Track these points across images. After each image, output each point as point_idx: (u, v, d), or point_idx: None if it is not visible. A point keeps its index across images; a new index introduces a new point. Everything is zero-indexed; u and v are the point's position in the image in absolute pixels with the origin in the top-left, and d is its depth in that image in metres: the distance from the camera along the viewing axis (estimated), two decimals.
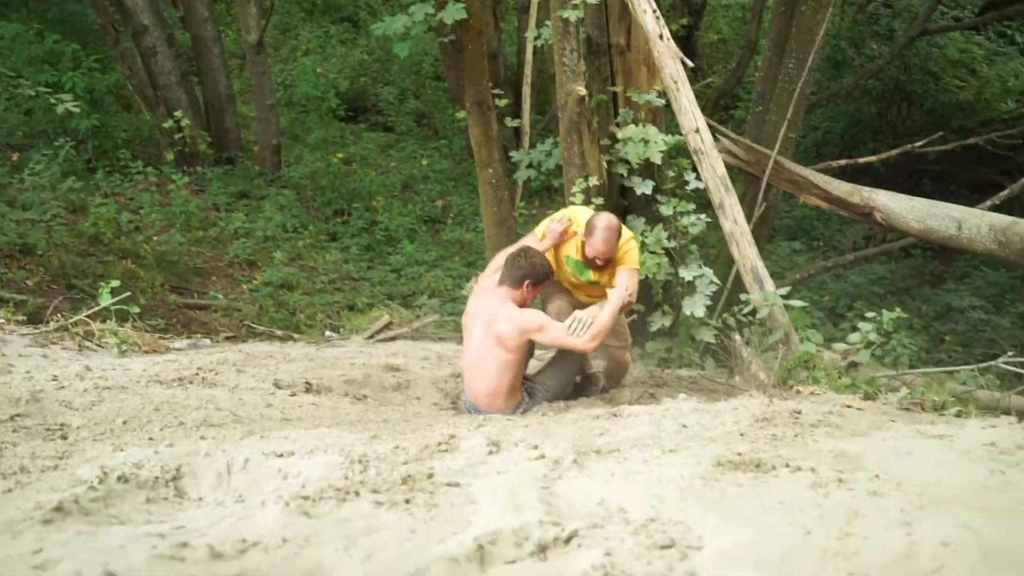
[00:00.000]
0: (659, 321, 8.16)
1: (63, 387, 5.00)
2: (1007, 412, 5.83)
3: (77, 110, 9.25)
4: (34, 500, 2.96)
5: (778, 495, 2.99)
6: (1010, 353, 7.24)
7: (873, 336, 6.61)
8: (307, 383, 5.70)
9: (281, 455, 3.60)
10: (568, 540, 2.64)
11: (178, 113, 14.56)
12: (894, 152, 12.22)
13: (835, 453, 3.61)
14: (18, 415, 4.45)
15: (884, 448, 3.68)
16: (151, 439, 4.16)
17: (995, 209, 9.70)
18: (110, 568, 2.38)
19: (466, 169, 17.16)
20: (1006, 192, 10.99)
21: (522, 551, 2.61)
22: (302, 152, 17.06)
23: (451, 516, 2.89)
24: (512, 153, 10.22)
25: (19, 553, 2.53)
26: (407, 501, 2.98)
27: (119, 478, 3.23)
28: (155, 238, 12.47)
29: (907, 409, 5.45)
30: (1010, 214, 9.23)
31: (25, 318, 7.42)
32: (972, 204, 9.86)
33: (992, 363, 7.11)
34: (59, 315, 7.25)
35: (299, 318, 11.31)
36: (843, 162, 11.74)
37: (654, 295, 8.24)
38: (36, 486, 3.19)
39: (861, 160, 11.92)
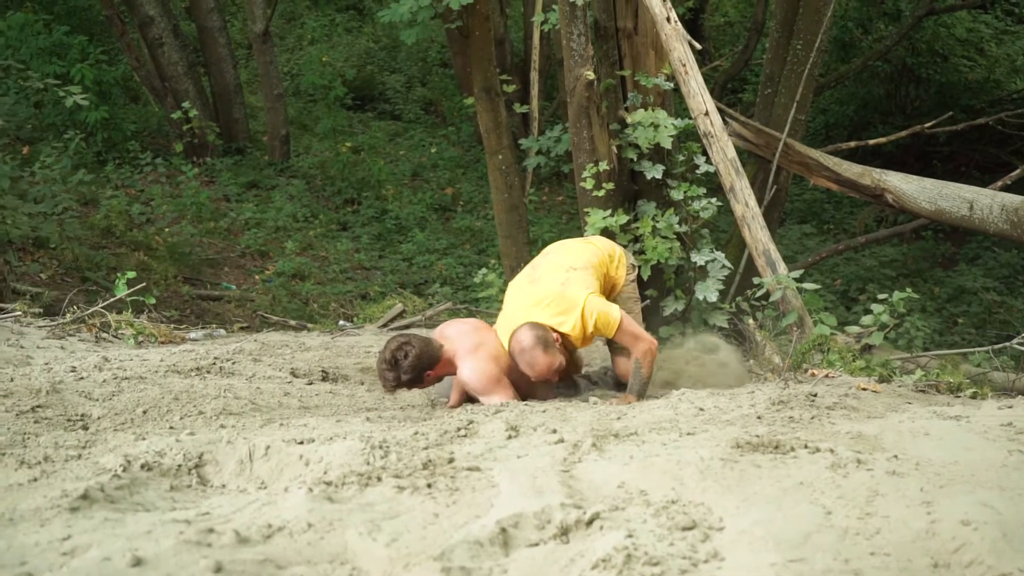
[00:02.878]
0: (671, 306, 8.15)
1: (82, 378, 5.04)
2: (1022, 393, 5.84)
3: (86, 103, 9.28)
4: (60, 488, 2.99)
5: (797, 476, 3.01)
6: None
7: (886, 318, 6.61)
8: (323, 371, 5.73)
9: (302, 442, 3.63)
10: (590, 522, 2.66)
11: (186, 104, 14.58)
12: (904, 133, 12.20)
13: (853, 435, 3.63)
14: (39, 406, 4.48)
15: (901, 429, 3.70)
16: (172, 428, 4.20)
17: (1006, 189, 9.67)
18: (138, 554, 2.40)
19: (475, 156, 17.16)
20: (1017, 172, 10.95)
21: (544, 534, 2.63)
22: (311, 141, 17.08)
23: (473, 500, 2.92)
24: (521, 140, 10.21)
25: (48, 540, 2.56)
26: (429, 486, 3.00)
27: (143, 466, 3.26)
28: (167, 230, 12.51)
29: (922, 391, 5.46)
30: (1021, 194, 9.22)
31: (41, 310, 7.46)
32: (983, 184, 9.85)
33: (1006, 344, 7.10)
34: (75, 307, 7.29)
35: (312, 308, 11.34)
36: (853, 144, 11.70)
37: (666, 280, 8.23)
38: (61, 475, 3.22)
39: (871, 142, 11.88)
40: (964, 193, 8.55)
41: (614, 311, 5.18)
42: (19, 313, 7.03)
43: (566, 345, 5.24)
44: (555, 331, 5.12)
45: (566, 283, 5.23)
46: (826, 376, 5.73)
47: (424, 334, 5.32)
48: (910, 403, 4.74)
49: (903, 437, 3.58)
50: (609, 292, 5.71)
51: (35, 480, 3.18)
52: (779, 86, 10.85)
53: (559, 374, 5.21)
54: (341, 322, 10.14)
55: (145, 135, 15.54)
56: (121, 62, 16.22)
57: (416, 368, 4.94)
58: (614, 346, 5.54)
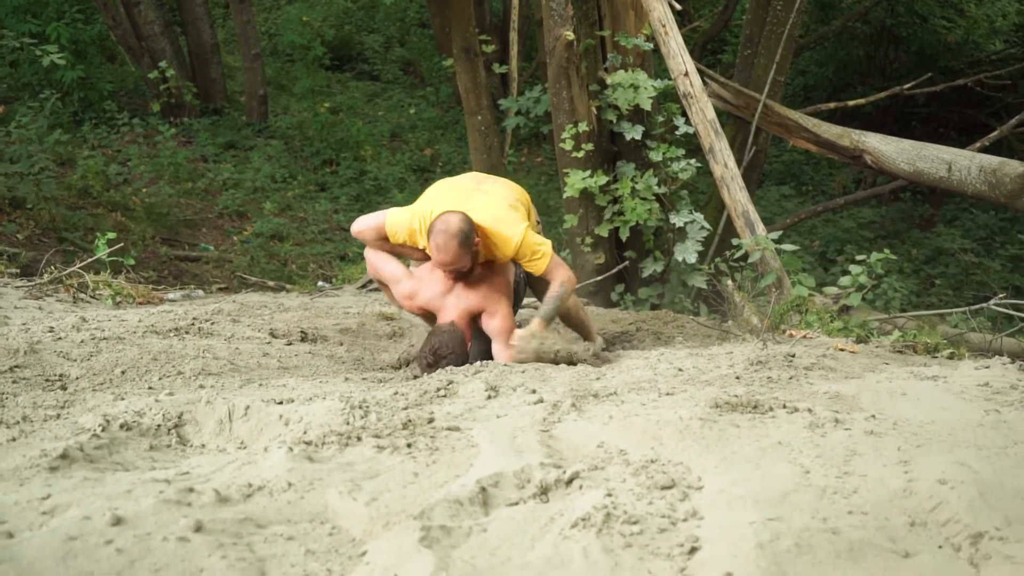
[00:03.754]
0: (650, 267, 8.17)
1: (60, 338, 5.01)
2: (999, 353, 5.88)
3: (63, 62, 9.19)
4: (39, 448, 2.98)
5: (776, 435, 3.03)
6: (1001, 295, 7.29)
7: (864, 279, 6.64)
8: (302, 332, 5.72)
9: (281, 402, 3.63)
10: (570, 482, 2.67)
11: (163, 63, 14.46)
12: (883, 94, 12.21)
13: (831, 395, 3.66)
14: (17, 366, 4.46)
15: (879, 389, 3.73)
16: (151, 388, 4.19)
17: (984, 151, 9.72)
18: (118, 513, 2.40)
19: (454, 117, 17.09)
20: (995, 133, 10.99)
21: (524, 493, 2.64)
22: (288, 102, 16.97)
23: (452, 459, 2.93)
24: (500, 101, 10.18)
25: (27, 499, 2.55)
26: (408, 445, 3.01)
27: (122, 426, 3.26)
28: (144, 190, 12.44)
29: (900, 352, 5.49)
30: (998, 155, 9.26)
31: (18, 271, 7.41)
32: (961, 146, 9.87)
33: (983, 305, 7.15)
34: (52, 267, 7.24)
35: (291, 268, 11.31)
36: (832, 105, 11.70)
37: (645, 241, 8.25)
38: (40, 435, 3.21)
39: (850, 103, 11.89)
40: (942, 154, 8.58)
41: (547, 245, 5.18)
42: None
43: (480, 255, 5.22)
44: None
45: (509, 210, 5.22)
46: (804, 337, 5.76)
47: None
48: (887, 364, 4.77)
49: (880, 397, 3.61)
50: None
51: (14, 440, 3.16)
52: (759, 47, 10.83)
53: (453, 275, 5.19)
54: (320, 283, 10.12)
55: (122, 95, 15.41)
56: (97, 21, 16.03)
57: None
58: (539, 285, 5.53)
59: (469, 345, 5.18)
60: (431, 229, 4.99)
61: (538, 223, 5.70)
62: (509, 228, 5.10)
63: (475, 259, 5.12)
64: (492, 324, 5.15)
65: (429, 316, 5.37)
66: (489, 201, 5.23)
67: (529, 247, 5.12)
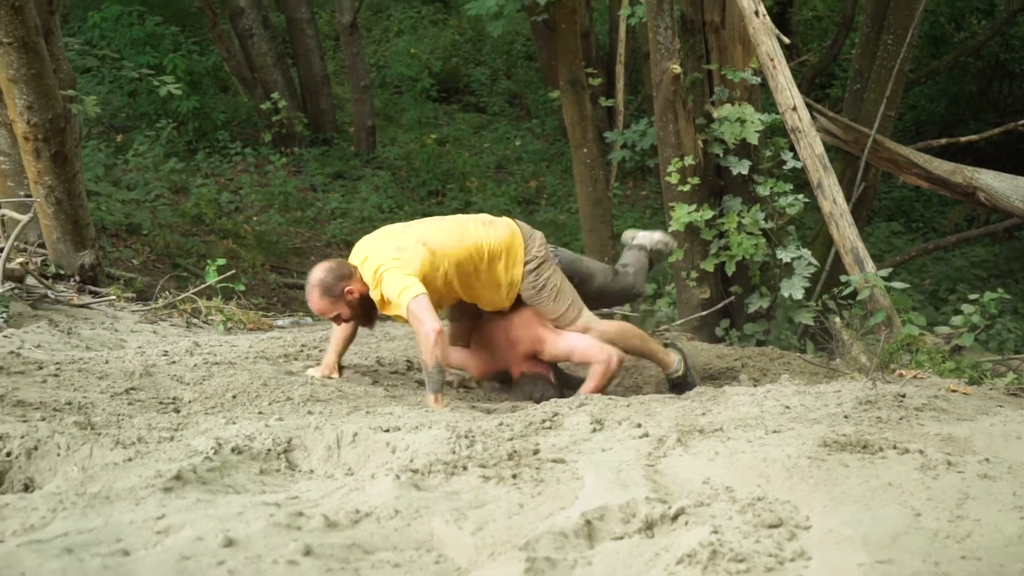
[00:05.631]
0: (756, 303, 8.10)
1: (174, 362, 5.15)
2: None
3: (179, 92, 9.45)
4: (154, 468, 3.06)
5: (886, 476, 2.98)
6: None
7: (977, 319, 6.50)
8: (408, 361, 5.78)
9: (388, 430, 3.67)
10: (675, 517, 2.66)
11: (275, 94, 14.80)
12: (997, 130, 11.93)
13: (942, 436, 3.58)
14: (133, 388, 4.59)
15: (992, 432, 3.64)
16: (261, 413, 4.27)
17: None
18: (230, 534, 2.45)
19: (559, 150, 17.15)
20: None
21: (629, 527, 2.64)
22: (396, 133, 17.20)
23: (557, 492, 2.93)
24: (606, 133, 10.20)
25: (143, 518, 2.62)
26: (514, 476, 3.02)
27: (233, 449, 3.32)
28: (255, 218, 12.72)
29: (1014, 394, 5.35)
30: None
31: (134, 295, 7.62)
32: None
33: None
34: (167, 293, 7.44)
35: None
36: (944, 141, 11.48)
37: (751, 277, 8.18)
38: (155, 455, 3.29)
39: (963, 139, 11.65)
40: None
41: (411, 288, 4.74)
42: (113, 297, 7.19)
43: (367, 307, 5.02)
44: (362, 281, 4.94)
45: (400, 248, 4.94)
46: (915, 377, 5.65)
47: None
48: (1001, 406, 4.65)
49: (994, 440, 3.53)
50: (466, 286, 5.17)
51: (130, 460, 3.25)
52: (868, 81, 10.70)
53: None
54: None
55: (235, 125, 15.79)
56: (212, 52, 16.49)
57: None
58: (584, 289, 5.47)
59: (551, 374, 5.26)
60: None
61: (533, 260, 5.24)
62: (367, 272, 4.93)
63: (359, 304, 4.97)
64: (555, 352, 5.22)
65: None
66: (380, 245, 5.03)
67: (385, 288, 4.84)
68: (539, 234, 5.40)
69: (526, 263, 5.21)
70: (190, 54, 15.70)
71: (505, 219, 5.39)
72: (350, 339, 5.32)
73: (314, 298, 4.92)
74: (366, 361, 5.68)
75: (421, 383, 5.38)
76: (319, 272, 4.93)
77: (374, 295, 4.90)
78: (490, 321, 5.36)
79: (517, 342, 5.25)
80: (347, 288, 4.89)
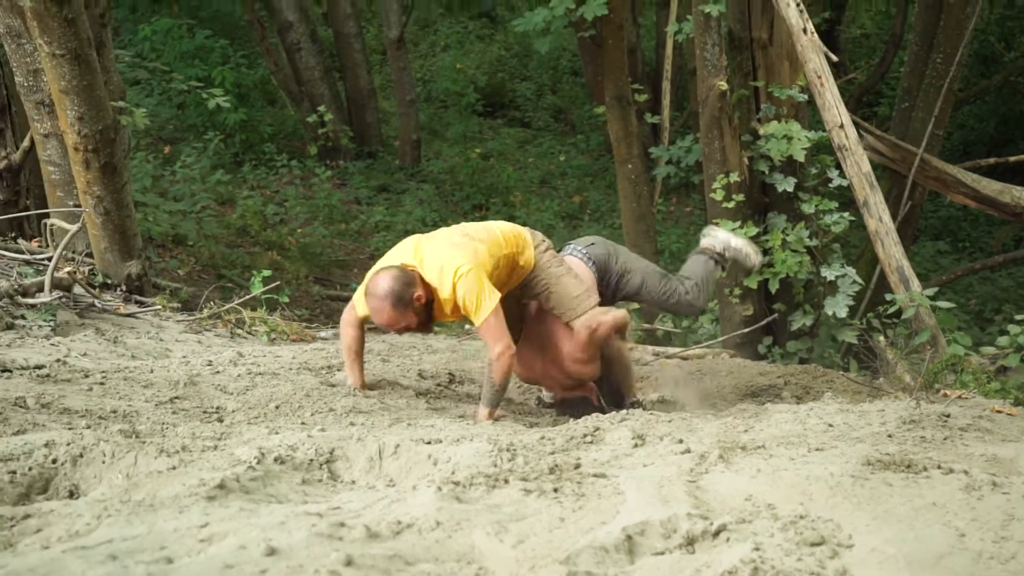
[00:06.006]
0: (800, 320, 8.06)
1: (218, 372, 5.19)
2: None
3: (227, 105, 9.53)
4: (198, 477, 3.08)
5: (930, 496, 2.96)
6: None
7: (1023, 340, 6.43)
8: (450, 374, 5.80)
9: (430, 442, 3.68)
10: (716, 534, 2.65)
11: (322, 108, 14.92)
12: None
13: (987, 457, 3.55)
14: (177, 397, 4.63)
15: None
16: (303, 423, 4.30)
17: None
18: (272, 544, 2.47)
19: (603, 165, 17.16)
20: None
21: (670, 543, 2.63)
22: (441, 147, 17.28)
23: (599, 506, 2.93)
24: (651, 149, 10.20)
25: (186, 526, 2.64)
26: (555, 490, 3.02)
27: (276, 459, 3.34)
28: (299, 230, 12.81)
29: None
30: None
31: (179, 305, 7.69)
32: None
33: None
34: (211, 303, 7.50)
35: None
36: (992, 161, 11.39)
37: (795, 294, 8.14)
38: (198, 464, 3.31)
39: (1011, 159, 11.55)
40: None
41: (489, 299, 4.71)
42: (159, 307, 7.26)
43: (430, 313, 4.87)
44: (426, 284, 4.79)
45: (456, 245, 4.86)
46: (959, 397, 5.60)
47: None
48: None
49: None
50: (509, 274, 5.09)
51: (174, 468, 3.27)
52: (917, 100, 10.65)
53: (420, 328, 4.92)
54: (467, 326, 10.22)
55: (281, 137, 15.92)
56: (260, 66, 16.65)
57: None
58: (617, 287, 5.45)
59: (593, 391, 5.23)
60: (366, 293, 4.80)
61: (541, 243, 5.27)
62: (439, 277, 4.76)
63: (424, 310, 4.81)
64: (578, 369, 5.19)
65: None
66: (430, 248, 4.91)
67: (461, 295, 4.72)
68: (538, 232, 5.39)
69: (535, 246, 5.19)
70: (238, 67, 15.88)
71: (497, 222, 5.38)
72: (362, 345, 5.24)
73: (385, 309, 4.69)
74: (408, 374, 5.70)
75: (466, 397, 5.39)
76: (386, 282, 4.70)
77: (445, 297, 4.77)
78: (536, 326, 5.32)
79: (549, 362, 5.19)
80: (416, 295, 4.73)
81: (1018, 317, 6.61)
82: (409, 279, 4.74)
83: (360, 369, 5.18)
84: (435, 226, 13.86)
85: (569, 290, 5.10)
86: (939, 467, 3.22)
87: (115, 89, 7.56)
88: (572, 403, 5.31)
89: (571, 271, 5.21)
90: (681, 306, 5.79)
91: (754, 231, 7.91)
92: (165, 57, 15.34)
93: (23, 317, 6.00)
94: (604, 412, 4.88)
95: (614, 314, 5.17)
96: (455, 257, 4.76)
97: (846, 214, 8.03)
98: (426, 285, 4.78)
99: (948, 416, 4.40)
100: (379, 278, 4.74)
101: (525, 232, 5.24)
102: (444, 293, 4.74)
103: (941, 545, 2.54)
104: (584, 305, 5.09)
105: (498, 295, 4.76)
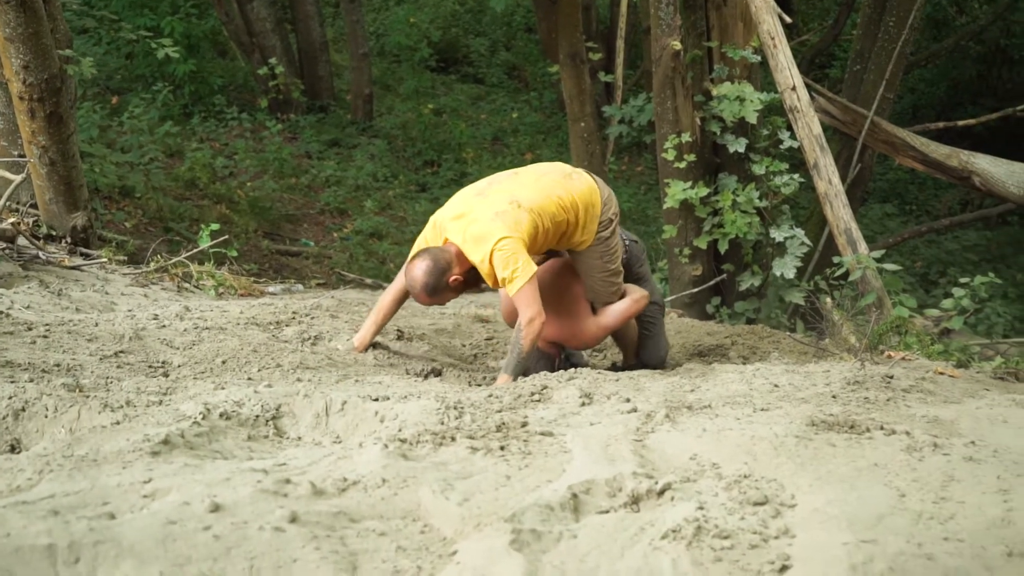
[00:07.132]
0: (748, 281, 8.12)
1: (164, 326, 5.13)
2: None
3: (176, 55, 9.38)
4: (142, 433, 3.05)
5: (872, 457, 2.99)
6: None
7: (967, 303, 6.51)
8: (399, 331, 5.77)
9: (377, 399, 3.67)
10: (661, 492, 2.66)
11: (273, 60, 14.74)
12: (995, 115, 11.91)
13: (929, 418, 3.59)
14: (122, 351, 4.58)
15: (979, 415, 3.65)
16: (250, 379, 4.26)
17: None
18: (217, 500, 2.45)
19: (556, 123, 17.14)
20: None
21: (615, 501, 2.64)
22: (393, 102, 17.16)
23: (545, 464, 2.94)
24: (604, 108, 10.18)
25: (130, 482, 2.62)
26: (502, 448, 3.02)
27: (221, 415, 3.32)
28: (248, 184, 12.69)
29: (1001, 378, 5.36)
30: None
31: (126, 258, 7.59)
32: None
33: None
34: (158, 256, 7.42)
35: (389, 267, 11.44)
36: (941, 124, 11.48)
37: (744, 255, 8.19)
38: (143, 419, 3.29)
39: (960, 123, 11.64)
40: None
41: (523, 269, 4.67)
42: (104, 260, 7.17)
43: (473, 279, 4.86)
44: (464, 259, 4.76)
45: (500, 215, 4.75)
46: (903, 359, 5.67)
47: None
48: (988, 390, 4.67)
49: (980, 423, 3.54)
50: (556, 242, 5.05)
51: (117, 423, 3.24)
52: (869, 63, 10.70)
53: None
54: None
55: (231, 89, 15.73)
56: (210, 16, 16.40)
57: None
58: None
59: (557, 354, 5.25)
60: (406, 274, 4.84)
61: (607, 222, 5.12)
62: (476, 250, 4.71)
63: (465, 285, 4.85)
64: (587, 336, 5.23)
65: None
66: (475, 215, 4.81)
67: (498, 266, 4.68)
68: (613, 195, 5.28)
69: (600, 223, 5.08)
70: (188, 17, 15.62)
71: (582, 172, 5.24)
72: (390, 316, 5.21)
73: (421, 298, 4.79)
74: (356, 330, 5.66)
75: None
76: (420, 276, 4.69)
77: (482, 268, 4.72)
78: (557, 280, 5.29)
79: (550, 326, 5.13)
80: (451, 278, 4.73)
81: (962, 280, 6.69)
82: (443, 267, 4.73)
83: (371, 333, 5.17)
84: (386, 181, 13.83)
85: (607, 286, 5.20)
86: (881, 428, 3.25)
87: (62, 37, 7.42)
88: (536, 356, 5.27)
89: (619, 265, 5.22)
90: (648, 353, 5.65)
91: (705, 192, 7.95)
92: (113, 6, 15.05)
93: None
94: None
95: (637, 301, 5.26)
96: (494, 230, 4.69)
97: (796, 176, 8.08)
98: (464, 260, 4.76)
99: (891, 378, 4.45)
100: (415, 268, 4.73)
101: (596, 204, 5.07)
102: (484, 268, 4.72)
103: (882, 505, 2.57)
104: (614, 297, 5.22)
105: (534, 267, 4.74)
